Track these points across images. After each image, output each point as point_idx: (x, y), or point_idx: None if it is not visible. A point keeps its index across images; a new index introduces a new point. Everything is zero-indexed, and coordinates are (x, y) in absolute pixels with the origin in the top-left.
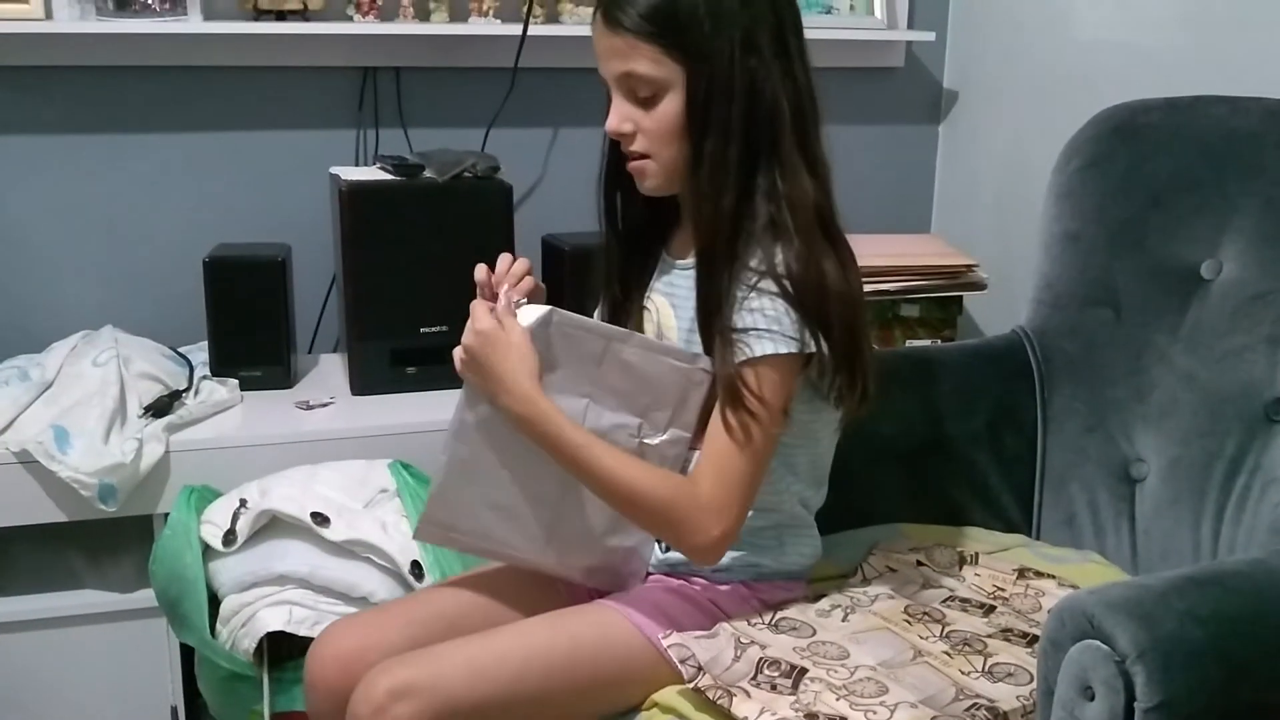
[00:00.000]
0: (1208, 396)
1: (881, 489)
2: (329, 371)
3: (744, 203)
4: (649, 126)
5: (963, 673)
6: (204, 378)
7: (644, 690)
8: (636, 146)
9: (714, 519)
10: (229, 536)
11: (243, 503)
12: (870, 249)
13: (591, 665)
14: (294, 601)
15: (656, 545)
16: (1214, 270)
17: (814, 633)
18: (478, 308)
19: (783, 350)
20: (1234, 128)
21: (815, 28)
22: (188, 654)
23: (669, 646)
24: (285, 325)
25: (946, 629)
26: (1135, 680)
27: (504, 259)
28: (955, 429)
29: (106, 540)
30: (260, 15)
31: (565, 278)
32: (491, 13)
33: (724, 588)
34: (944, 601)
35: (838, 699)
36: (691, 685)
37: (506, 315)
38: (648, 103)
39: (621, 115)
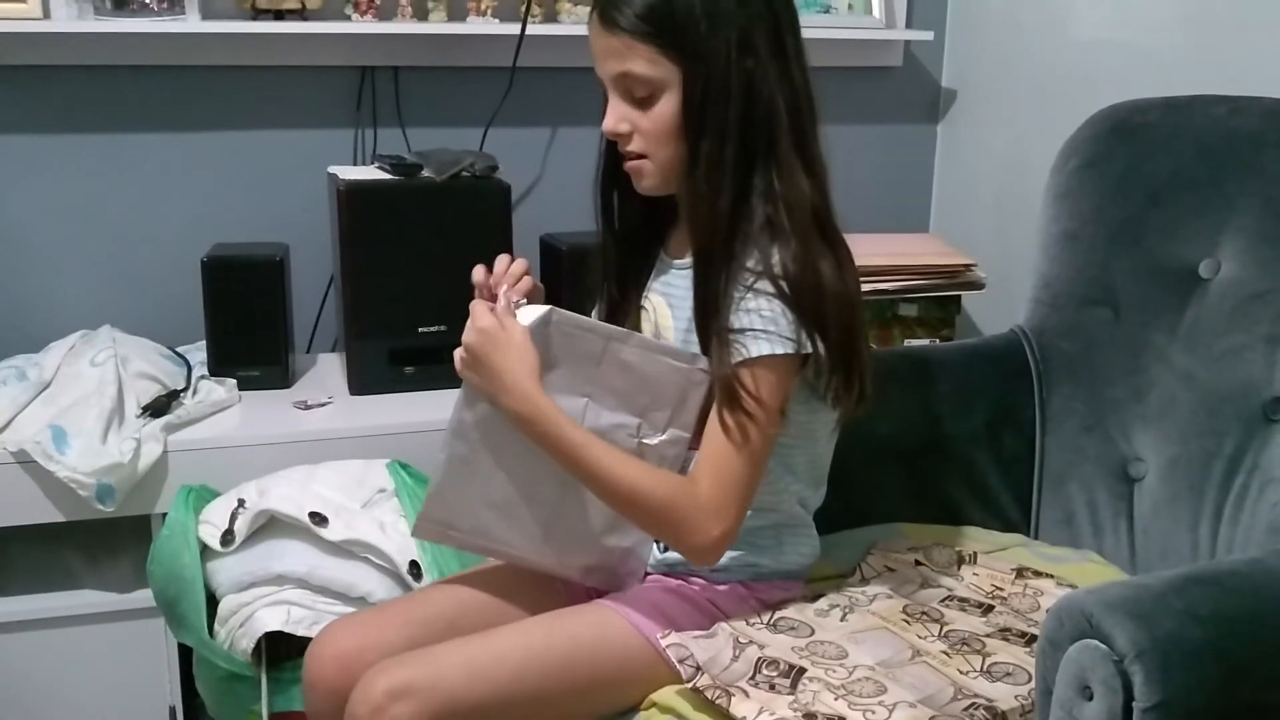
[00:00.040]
0: (1206, 396)
1: (880, 488)
2: (327, 371)
3: (740, 203)
4: (646, 127)
5: (961, 672)
6: (202, 377)
7: (642, 690)
8: (633, 147)
9: (713, 519)
10: (227, 536)
11: (241, 503)
12: (868, 248)
13: (590, 665)
14: (292, 601)
15: (655, 545)
16: (1212, 269)
17: (812, 632)
18: (478, 307)
19: (779, 351)
20: (1233, 127)
21: (813, 27)
22: (186, 654)
23: (667, 646)
24: (283, 325)
25: (945, 628)
26: (1134, 680)
27: (502, 259)
28: (954, 428)
29: (104, 540)
30: (258, 15)
31: (563, 277)
32: (490, 12)
33: (722, 587)
34: (942, 601)
35: (836, 699)
36: (690, 685)
37: (506, 315)
38: (644, 103)
39: (618, 115)
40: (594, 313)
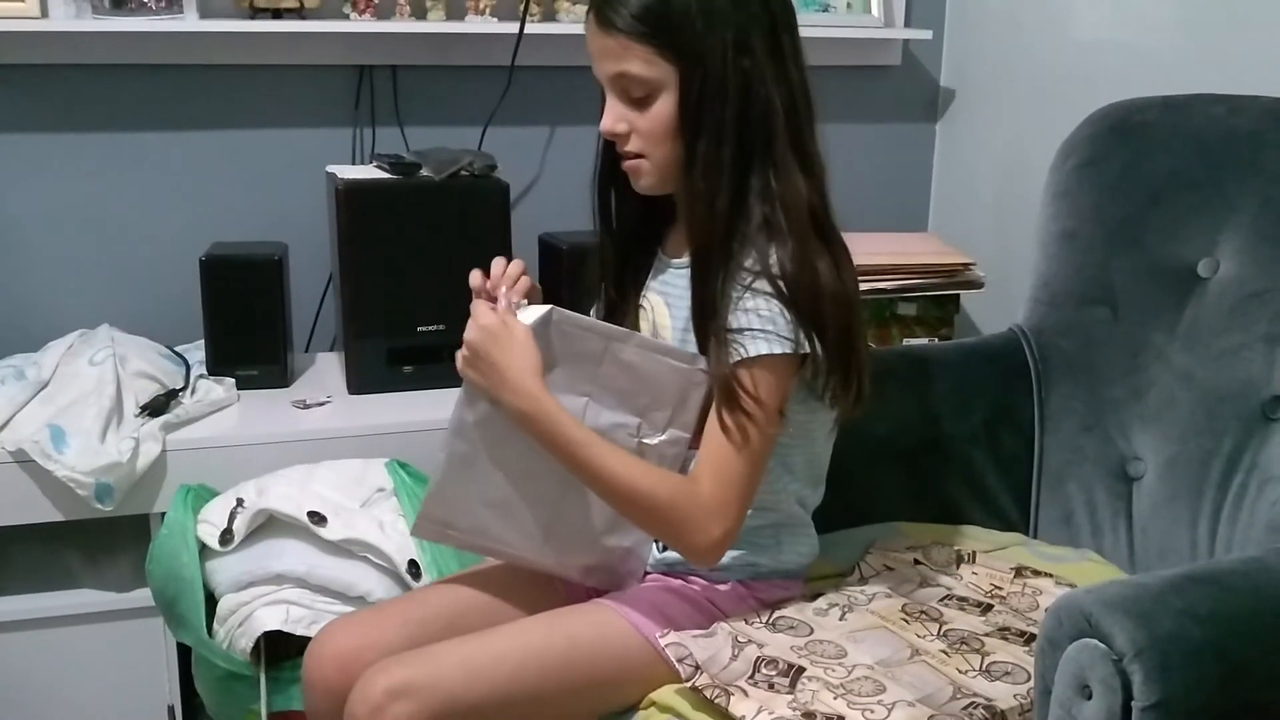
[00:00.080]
0: (1205, 395)
1: (879, 488)
2: (326, 370)
3: (738, 203)
4: (643, 127)
5: (960, 671)
6: (200, 376)
7: (641, 689)
8: (631, 147)
9: (714, 520)
10: (226, 536)
11: (239, 502)
12: (867, 247)
13: (589, 664)
14: (291, 601)
15: (654, 545)
16: (1211, 269)
17: (811, 631)
18: (479, 305)
19: (777, 350)
20: (1231, 126)
21: (812, 26)
22: (185, 653)
23: (666, 645)
24: (282, 324)
25: (944, 627)
26: (1133, 679)
27: (498, 262)
28: (952, 428)
29: (103, 540)
30: (256, 13)
31: (562, 276)
32: (488, 11)
33: (722, 587)
34: (941, 600)
35: (835, 698)
36: (689, 684)
37: (508, 314)
38: (641, 103)
39: (615, 116)
40: (593, 312)
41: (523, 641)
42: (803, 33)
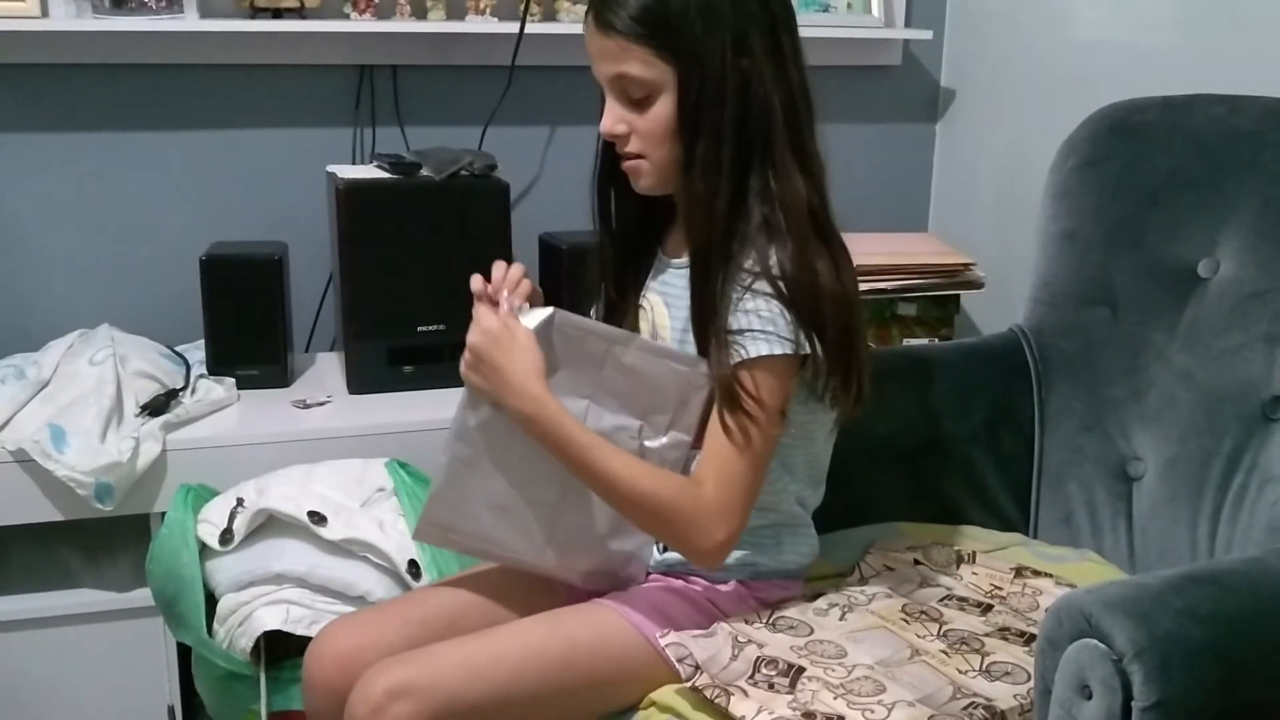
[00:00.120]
0: (1205, 395)
1: (879, 488)
2: (326, 370)
3: (737, 203)
4: (642, 128)
5: (960, 671)
6: (201, 376)
7: (641, 689)
8: (630, 148)
9: (718, 522)
10: (226, 535)
11: (240, 502)
12: (867, 248)
13: (589, 664)
14: (291, 600)
15: (655, 546)
16: (1211, 269)
17: (811, 631)
18: (481, 309)
19: (778, 351)
20: (1232, 126)
21: (812, 26)
22: (185, 653)
23: (666, 645)
24: (282, 324)
25: (944, 628)
26: (1133, 679)
27: (499, 266)
28: (953, 428)
29: (103, 539)
30: (257, 13)
31: (562, 276)
32: (488, 11)
33: (722, 587)
34: (941, 600)
35: (835, 698)
36: (689, 684)
37: (510, 317)
38: (641, 104)
39: (615, 117)
40: (593, 312)
41: (523, 642)
42: (803, 33)
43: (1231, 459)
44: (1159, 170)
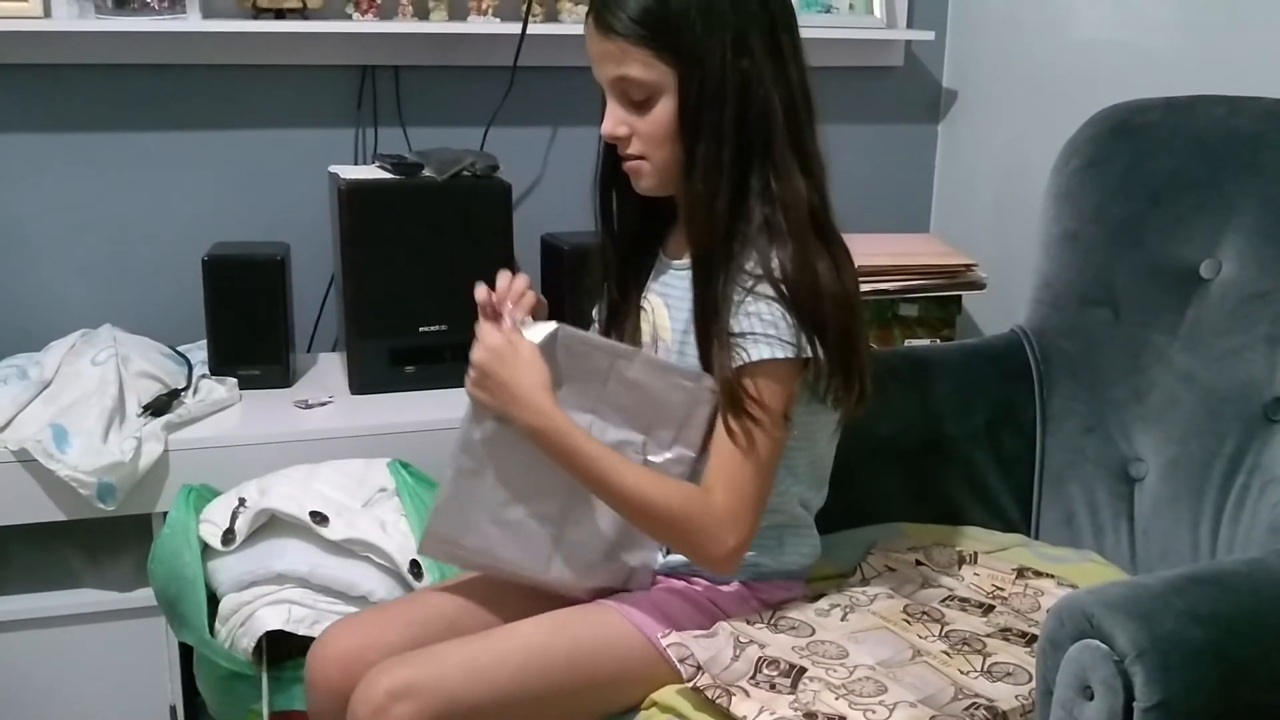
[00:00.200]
0: (1206, 396)
1: (880, 489)
2: (328, 370)
3: (738, 204)
4: (643, 129)
5: (961, 672)
6: (203, 376)
7: (643, 690)
8: (632, 149)
9: (728, 529)
10: (228, 535)
11: (241, 502)
12: (869, 248)
13: (591, 665)
14: (293, 600)
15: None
16: (1213, 270)
17: (813, 632)
18: (485, 326)
19: (780, 355)
20: (1233, 127)
21: (814, 27)
22: (186, 653)
23: (668, 646)
24: (284, 324)
25: (945, 628)
26: (1134, 680)
27: (503, 276)
28: (954, 428)
29: (105, 539)
30: (259, 13)
31: (564, 277)
32: (490, 11)
33: (724, 588)
34: (943, 601)
35: (837, 698)
36: (690, 685)
37: (514, 332)
38: (642, 106)
39: (616, 119)
40: (594, 312)
41: (525, 642)
42: (805, 34)
43: (1233, 460)
44: (1161, 171)
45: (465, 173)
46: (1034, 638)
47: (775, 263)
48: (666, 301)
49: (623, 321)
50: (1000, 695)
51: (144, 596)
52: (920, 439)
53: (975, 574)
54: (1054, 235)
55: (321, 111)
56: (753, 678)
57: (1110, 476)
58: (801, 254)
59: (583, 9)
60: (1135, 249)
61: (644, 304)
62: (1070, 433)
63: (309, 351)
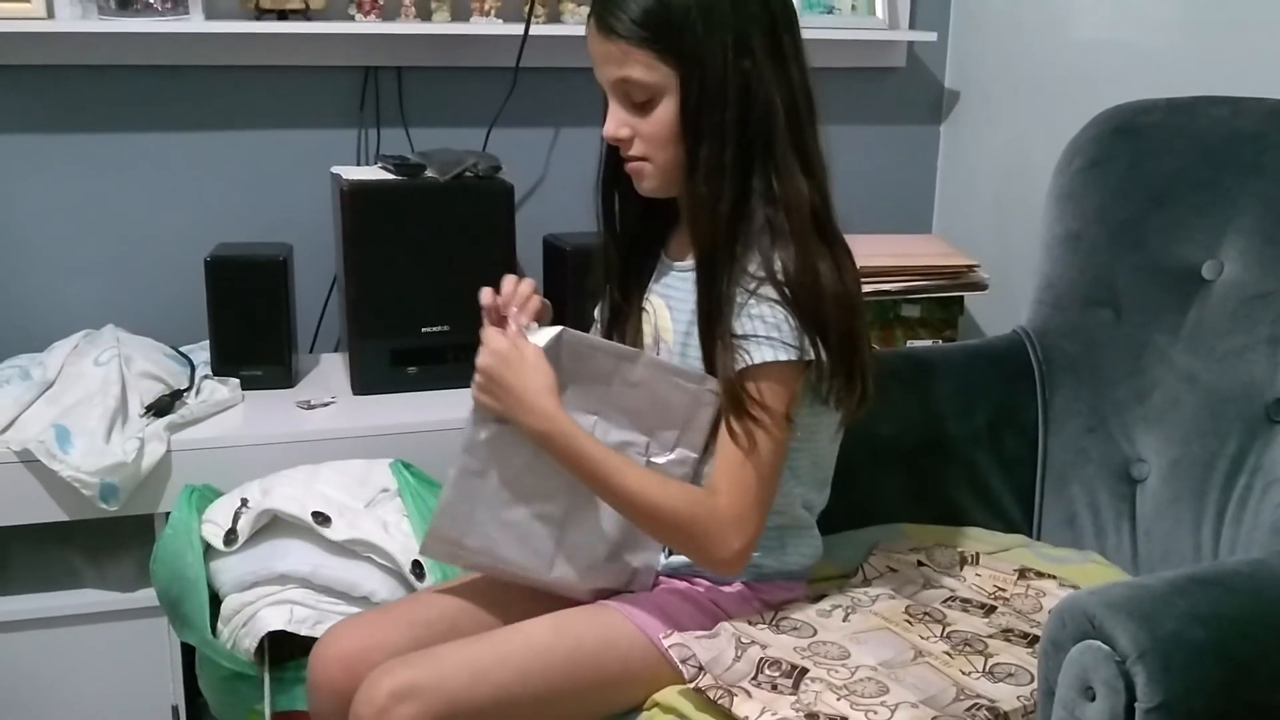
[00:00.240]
0: (1208, 397)
1: (882, 489)
2: (330, 371)
3: (740, 205)
4: (645, 131)
5: (963, 673)
6: (205, 377)
7: (645, 690)
8: (634, 151)
9: (734, 532)
10: (230, 536)
11: (244, 502)
12: (871, 249)
13: (593, 666)
14: (295, 601)
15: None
16: (1215, 270)
17: (815, 633)
18: (490, 331)
19: (782, 357)
20: (1235, 128)
21: (816, 28)
22: (189, 653)
23: (670, 646)
24: (286, 325)
25: (947, 629)
26: (1136, 680)
27: (509, 280)
28: (956, 429)
29: (107, 539)
30: (262, 14)
31: (566, 278)
32: (493, 12)
33: (726, 589)
34: (945, 602)
35: (838, 699)
36: (692, 685)
37: (518, 336)
38: (643, 108)
39: (618, 121)
40: (596, 313)
41: (527, 643)
42: (807, 35)
43: (1235, 461)
44: (1163, 172)
45: (467, 173)
46: (1035, 638)
47: (778, 264)
48: (668, 303)
49: (624, 323)
50: (1002, 696)
51: (146, 597)
52: (922, 440)
53: (977, 575)
54: (1056, 236)
55: (324, 112)
56: (754, 678)
57: (1112, 477)
58: (803, 254)
59: (585, 10)
60: (1137, 250)
61: (646, 306)
62: (1072, 433)
63: (311, 352)
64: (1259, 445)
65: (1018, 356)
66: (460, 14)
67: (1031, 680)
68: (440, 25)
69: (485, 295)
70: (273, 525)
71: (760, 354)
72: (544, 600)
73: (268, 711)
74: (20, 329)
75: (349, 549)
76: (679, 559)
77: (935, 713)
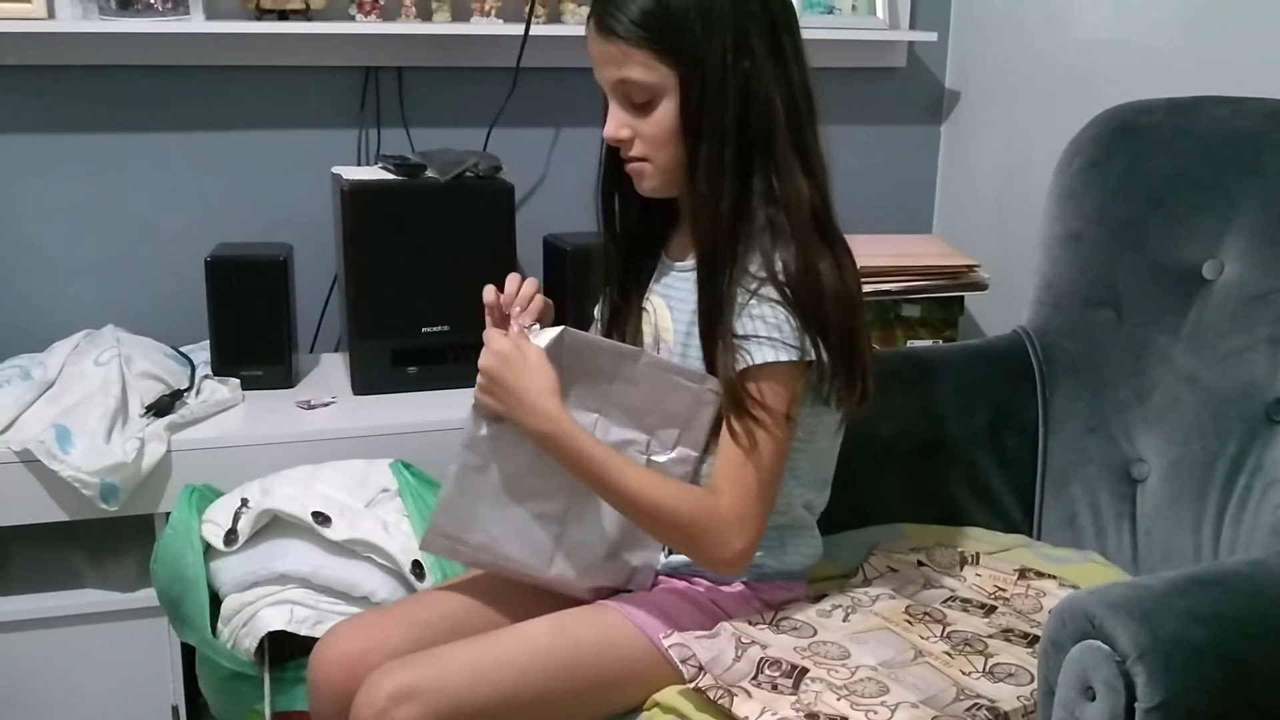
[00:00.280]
0: (1209, 397)
1: (882, 489)
2: (330, 371)
3: (741, 205)
4: (646, 132)
5: (963, 673)
6: (205, 377)
7: (645, 690)
8: (635, 151)
9: (735, 532)
10: (230, 536)
11: (244, 502)
12: (871, 249)
13: (594, 666)
14: (295, 601)
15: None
16: (1215, 270)
17: (815, 633)
18: (492, 333)
19: (783, 358)
20: (1235, 128)
21: (817, 28)
22: (189, 653)
23: (670, 646)
24: (287, 325)
25: (947, 629)
26: (1136, 680)
27: (512, 280)
28: (956, 429)
29: (108, 539)
30: (262, 15)
31: (567, 278)
32: (494, 12)
33: (726, 589)
34: (945, 602)
35: (838, 699)
36: (692, 685)
37: (520, 337)
38: (643, 108)
39: (618, 122)
40: (596, 312)
41: (528, 644)
42: (808, 35)
43: (1235, 461)
44: (1163, 172)
45: (468, 174)
46: (1036, 638)
47: (779, 264)
48: (669, 303)
49: (624, 323)
50: (1002, 696)
51: (146, 597)
52: (922, 440)
53: (977, 575)
54: (1056, 236)
55: (324, 112)
56: (754, 678)
57: (1112, 477)
58: (804, 254)
59: (585, 10)
60: (1137, 250)
61: (646, 306)
62: (1072, 433)
63: (311, 352)
64: (1259, 445)
65: (1018, 356)
66: (461, 14)
67: (1031, 680)
68: (441, 25)
69: (489, 293)
70: (273, 525)
71: (761, 354)
72: (544, 600)
73: (268, 711)
74: (20, 329)
75: (349, 549)
76: (679, 558)
77: (935, 713)
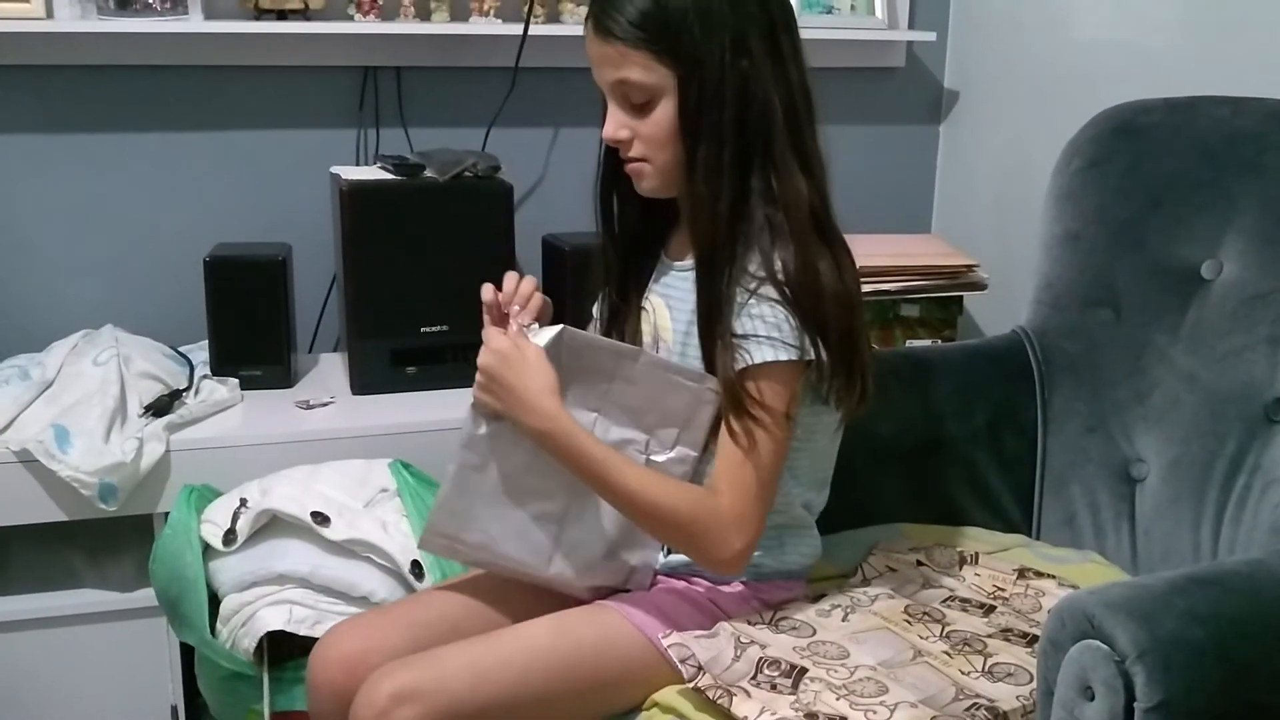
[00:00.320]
0: (1208, 397)
1: (882, 489)
2: (329, 371)
3: (740, 205)
4: (644, 132)
5: (963, 673)
6: (204, 377)
7: (644, 690)
8: (634, 152)
9: (735, 531)
10: (229, 536)
11: (243, 502)
12: (870, 249)
13: (593, 666)
14: (294, 601)
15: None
16: (1214, 270)
17: (814, 632)
18: (491, 331)
19: (783, 357)
20: (1235, 128)
21: (816, 28)
22: (188, 653)
23: (669, 646)
24: (285, 324)
25: (946, 629)
26: (1135, 680)
27: (510, 278)
28: (955, 429)
29: (106, 539)
30: (261, 14)
31: (566, 278)
32: (492, 12)
33: (725, 588)
34: (944, 601)
35: (838, 699)
36: (691, 685)
37: (519, 336)
38: (642, 109)
39: (617, 123)
40: (595, 310)
41: (528, 645)
42: (806, 35)
43: (1234, 461)
44: (1162, 172)
45: (467, 173)
46: (1035, 638)
47: (778, 264)
48: (668, 303)
49: (624, 323)
50: (1001, 696)
51: (145, 597)
52: (921, 439)
53: (976, 574)
54: (1055, 236)
55: (323, 112)
56: (754, 678)
57: (1112, 477)
58: (803, 254)
59: (584, 10)
60: (1137, 249)
61: (645, 305)
62: (1072, 433)
63: (310, 352)
64: (1258, 445)
65: (1017, 356)
66: (459, 14)
67: (1031, 680)
68: (439, 25)
69: (487, 291)
70: (272, 525)
71: (760, 354)
72: (544, 600)
73: (267, 711)
74: (20, 329)
75: (348, 549)
76: (678, 558)
77: (934, 712)
